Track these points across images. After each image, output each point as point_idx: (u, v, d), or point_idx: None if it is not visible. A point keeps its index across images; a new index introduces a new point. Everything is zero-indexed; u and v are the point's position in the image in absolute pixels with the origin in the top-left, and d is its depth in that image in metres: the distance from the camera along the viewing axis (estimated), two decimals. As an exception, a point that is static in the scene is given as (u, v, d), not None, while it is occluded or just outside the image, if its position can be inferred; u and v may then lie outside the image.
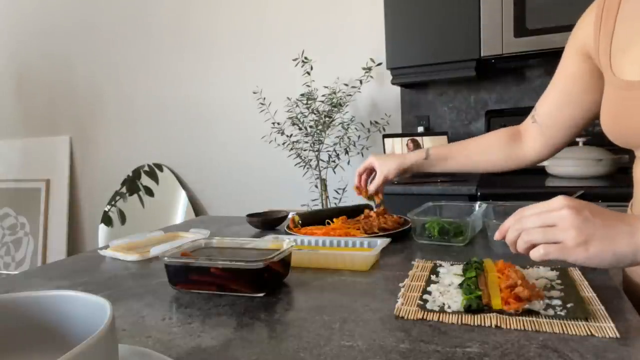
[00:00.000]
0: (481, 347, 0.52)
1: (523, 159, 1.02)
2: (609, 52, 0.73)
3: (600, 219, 0.55)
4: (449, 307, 0.62)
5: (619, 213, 0.56)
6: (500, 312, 0.59)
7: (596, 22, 0.76)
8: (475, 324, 0.57)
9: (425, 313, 0.61)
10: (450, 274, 0.75)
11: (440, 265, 0.81)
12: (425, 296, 0.66)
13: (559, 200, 0.57)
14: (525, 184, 1.79)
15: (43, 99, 3.42)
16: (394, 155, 1.10)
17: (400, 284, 0.73)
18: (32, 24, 3.38)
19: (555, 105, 0.95)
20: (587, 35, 0.80)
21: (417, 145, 2.18)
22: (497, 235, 0.62)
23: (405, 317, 0.60)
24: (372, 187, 1.12)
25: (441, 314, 0.60)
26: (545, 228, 0.56)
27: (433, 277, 0.74)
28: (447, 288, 0.69)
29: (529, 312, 0.59)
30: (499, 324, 0.56)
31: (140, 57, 3.06)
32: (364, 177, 1.14)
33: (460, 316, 0.59)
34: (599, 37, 0.75)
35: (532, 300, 0.59)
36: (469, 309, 0.60)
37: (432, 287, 0.70)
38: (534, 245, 0.57)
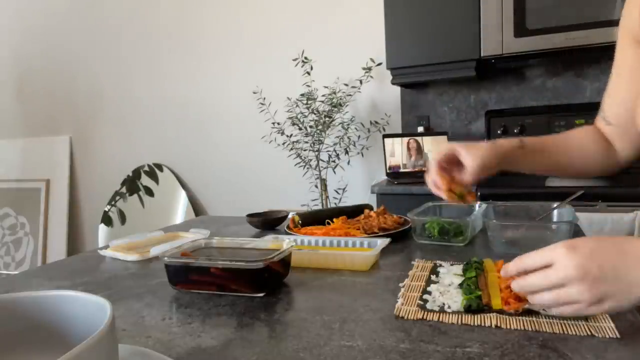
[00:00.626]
0: (481, 347, 0.52)
1: (617, 162, 0.89)
2: None
3: (611, 272, 0.50)
4: (449, 307, 0.62)
5: (627, 247, 0.51)
6: (500, 312, 0.59)
7: None
8: (475, 324, 0.57)
9: (425, 313, 0.61)
10: (450, 274, 0.75)
11: (440, 265, 0.81)
12: (425, 296, 0.66)
13: (561, 256, 0.52)
14: (525, 183, 1.79)
15: (43, 99, 3.41)
16: (479, 143, 0.83)
17: (400, 284, 0.73)
18: (32, 25, 3.38)
19: (627, 103, 0.83)
20: (634, 20, 0.75)
21: (417, 146, 2.18)
22: (502, 274, 0.61)
23: (405, 317, 0.60)
24: (467, 178, 0.82)
25: (441, 314, 0.60)
26: (555, 292, 0.53)
27: (433, 277, 0.74)
28: (447, 288, 0.69)
29: (529, 312, 0.59)
30: (499, 324, 0.56)
31: (140, 57, 3.06)
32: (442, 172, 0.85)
33: (460, 316, 0.59)
34: None
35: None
36: (469, 309, 0.60)
37: (432, 287, 0.70)
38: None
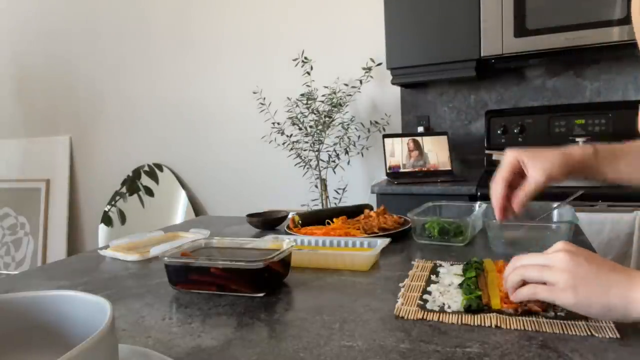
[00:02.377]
0: (481, 347, 0.52)
1: None
2: None
3: (596, 266, 0.54)
4: (449, 307, 0.62)
5: (618, 265, 0.54)
6: (500, 311, 0.59)
7: None
8: (475, 324, 0.57)
9: (425, 313, 0.61)
10: (450, 274, 0.75)
11: (440, 265, 0.81)
12: (425, 296, 0.66)
13: (558, 244, 0.57)
14: (525, 184, 1.79)
15: (43, 99, 3.41)
16: (547, 151, 0.74)
17: (400, 284, 0.73)
18: (32, 25, 3.38)
19: None
20: None
21: (417, 146, 2.18)
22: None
23: (405, 317, 0.60)
24: (529, 190, 0.73)
25: (441, 314, 0.60)
26: (541, 267, 0.57)
27: (433, 277, 0.74)
28: (447, 288, 0.69)
29: (529, 312, 0.59)
30: (498, 324, 0.56)
31: (140, 57, 3.06)
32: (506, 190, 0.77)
33: (460, 316, 0.59)
34: None
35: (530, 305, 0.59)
36: (469, 309, 0.60)
37: (432, 287, 0.70)
38: (525, 283, 0.58)
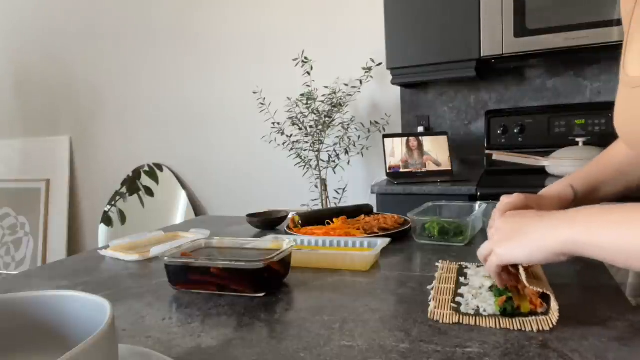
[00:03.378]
0: (481, 347, 0.52)
1: None
2: (626, 42, 0.68)
3: (520, 217, 0.60)
4: (485, 310, 0.60)
5: (545, 214, 0.59)
6: (533, 313, 0.58)
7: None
8: (516, 328, 0.56)
9: (461, 316, 0.59)
10: (479, 276, 0.73)
11: (467, 267, 0.79)
12: (458, 299, 0.64)
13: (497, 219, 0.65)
14: (525, 183, 1.79)
15: (43, 99, 3.41)
16: (549, 198, 0.77)
17: (429, 286, 0.71)
18: (32, 25, 3.38)
19: None
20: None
21: (417, 146, 2.18)
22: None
23: (441, 321, 0.59)
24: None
25: (477, 318, 0.58)
26: (487, 242, 0.64)
27: (462, 280, 0.73)
28: (479, 291, 0.67)
29: (530, 313, 0.58)
30: (541, 328, 0.55)
31: (140, 57, 3.06)
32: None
33: (497, 319, 0.58)
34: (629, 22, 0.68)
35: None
36: (504, 313, 0.59)
37: (463, 290, 0.68)
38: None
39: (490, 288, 0.66)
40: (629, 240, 0.49)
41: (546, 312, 0.58)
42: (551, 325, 0.55)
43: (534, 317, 0.57)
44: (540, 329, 0.55)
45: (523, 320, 0.57)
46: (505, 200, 0.72)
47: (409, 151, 2.17)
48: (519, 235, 0.58)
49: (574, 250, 0.53)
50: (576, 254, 0.54)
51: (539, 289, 0.57)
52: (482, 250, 0.64)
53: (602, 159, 0.83)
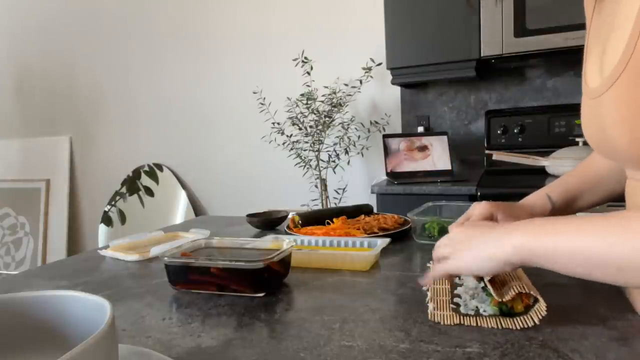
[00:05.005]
0: (481, 347, 0.52)
1: None
2: (585, 52, 0.68)
3: (473, 230, 0.61)
4: (485, 310, 0.60)
5: (498, 224, 0.61)
6: (527, 309, 0.58)
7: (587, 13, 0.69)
8: (517, 327, 0.56)
9: (462, 317, 0.59)
10: (472, 276, 0.73)
11: None
12: (456, 299, 0.64)
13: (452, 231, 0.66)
14: (525, 183, 1.79)
15: (43, 99, 3.41)
16: (517, 208, 0.78)
17: (424, 288, 0.71)
18: (32, 24, 3.38)
19: None
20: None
21: (417, 146, 2.17)
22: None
23: (442, 322, 0.58)
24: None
25: (478, 318, 0.58)
26: (441, 245, 0.65)
27: (457, 280, 0.71)
28: (476, 291, 0.65)
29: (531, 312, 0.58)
30: (540, 317, 0.55)
31: (140, 57, 3.06)
32: None
33: (497, 320, 0.57)
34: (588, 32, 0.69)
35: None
36: (502, 313, 0.58)
37: (459, 290, 0.67)
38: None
39: (483, 288, 0.66)
40: (581, 245, 0.48)
41: (536, 301, 0.58)
42: (544, 312, 0.55)
43: (529, 314, 0.57)
44: (540, 317, 0.55)
45: (524, 318, 0.57)
46: (471, 210, 0.75)
47: (409, 151, 2.17)
48: (468, 246, 0.58)
49: (524, 258, 0.52)
50: (527, 262, 0.53)
51: (509, 296, 0.57)
52: (437, 253, 0.65)
53: (580, 168, 0.83)
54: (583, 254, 0.48)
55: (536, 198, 0.80)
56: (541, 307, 0.56)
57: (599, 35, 0.63)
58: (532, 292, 0.57)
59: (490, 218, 0.75)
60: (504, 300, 0.57)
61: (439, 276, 0.63)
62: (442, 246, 0.63)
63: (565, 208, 0.79)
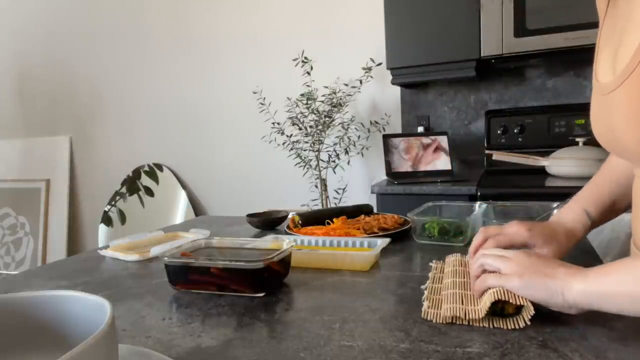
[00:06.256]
0: (481, 347, 0.52)
1: None
2: (597, 49, 0.68)
3: (544, 260, 0.60)
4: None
5: (566, 262, 0.60)
6: (518, 310, 0.58)
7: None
8: (509, 327, 0.56)
9: (455, 317, 0.59)
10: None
11: None
12: None
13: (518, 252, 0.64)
14: (525, 183, 1.79)
15: (43, 99, 3.41)
16: (555, 230, 0.75)
17: (422, 287, 0.71)
18: (32, 25, 3.38)
19: None
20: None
21: (417, 146, 2.17)
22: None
23: (435, 321, 0.59)
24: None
25: (470, 318, 0.58)
26: (498, 256, 0.63)
27: None
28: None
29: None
30: (529, 317, 0.55)
31: (140, 57, 3.06)
32: None
33: (490, 319, 0.58)
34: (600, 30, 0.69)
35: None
36: (495, 314, 0.59)
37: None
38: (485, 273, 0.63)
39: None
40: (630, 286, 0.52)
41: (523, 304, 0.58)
42: (532, 312, 0.56)
43: (520, 315, 0.57)
44: (529, 317, 0.56)
45: (515, 319, 0.57)
46: (507, 228, 0.72)
47: (409, 151, 2.17)
48: (541, 274, 0.58)
49: (584, 302, 0.55)
50: (585, 306, 0.55)
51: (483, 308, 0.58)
52: (489, 260, 0.63)
53: (607, 170, 0.81)
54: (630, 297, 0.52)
55: (574, 214, 0.77)
56: (529, 309, 0.56)
57: (613, 32, 0.63)
58: (512, 299, 0.58)
59: (525, 238, 0.73)
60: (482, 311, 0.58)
61: (484, 288, 0.61)
62: (508, 260, 0.61)
63: (602, 219, 0.79)
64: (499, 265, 0.61)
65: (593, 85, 0.67)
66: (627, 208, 0.78)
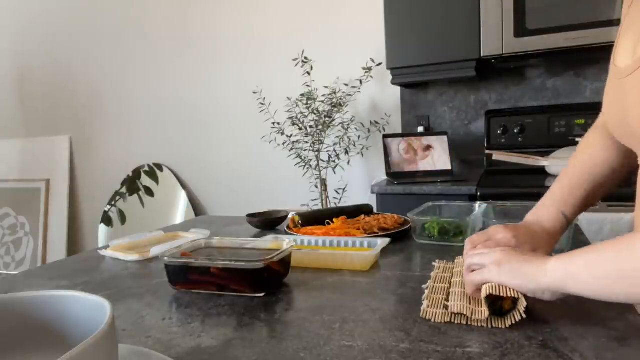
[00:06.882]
0: (481, 347, 0.52)
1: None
2: (619, 34, 0.69)
3: (521, 253, 0.62)
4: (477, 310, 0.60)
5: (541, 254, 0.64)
6: (514, 304, 0.58)
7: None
8: (506, 326, 0.56)
9: (453, 315, 0.59)
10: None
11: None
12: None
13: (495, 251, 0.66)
14: (525, 183, 1.79)
15: (43, 100, 3.41)
16: (535, 232, 0.76)
17: (424, 286, 0.71)
18: (33, 26, 3.38)
19: None
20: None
21: (417, 146, 2.17)
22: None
23: (433, 320, 0.59)
24: None
25: (468, 317, 0.58)
26: (480, 254, 0.65)
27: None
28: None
29: (531, 312, 0.58)
30: (523, 310, 0.55)
31: (140, 57, 3.06)
32: None
33: (489, 319, 0.58)
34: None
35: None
36: (494, 313, 0.59)
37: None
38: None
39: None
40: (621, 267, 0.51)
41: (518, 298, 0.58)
42: (525, 304, 0.56)
43: (516, 309, 0.57)
44: (523, 309, 0.56)
45: (513, 315, 0.57)
46: (492, 233, 0.74)
47: (409, 151, 2.17)
48: (518, 264, 0.60)
49: (558, 282, 0.56)
50: (561, 288, 0.56)
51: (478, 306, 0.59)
52: (474, 259, 0.65)
53: (579, 166, 0.82)
54: (602, 269, 0.53)
55: (552, 217, 0.79)
56: (522, 301, 0.57)
57: (638, 19, 0.64)
58: (502, 292, 0.58)
59: (513, 245, 0.73)
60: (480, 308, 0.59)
61: (477, 284, 0.62)
62: (487, 255, 0.63)
63: (576, 215, 0.81)
64: (483, 261, 0.63)
65: (610, 70, 0.68)
66: (597, 202, 0.82)
